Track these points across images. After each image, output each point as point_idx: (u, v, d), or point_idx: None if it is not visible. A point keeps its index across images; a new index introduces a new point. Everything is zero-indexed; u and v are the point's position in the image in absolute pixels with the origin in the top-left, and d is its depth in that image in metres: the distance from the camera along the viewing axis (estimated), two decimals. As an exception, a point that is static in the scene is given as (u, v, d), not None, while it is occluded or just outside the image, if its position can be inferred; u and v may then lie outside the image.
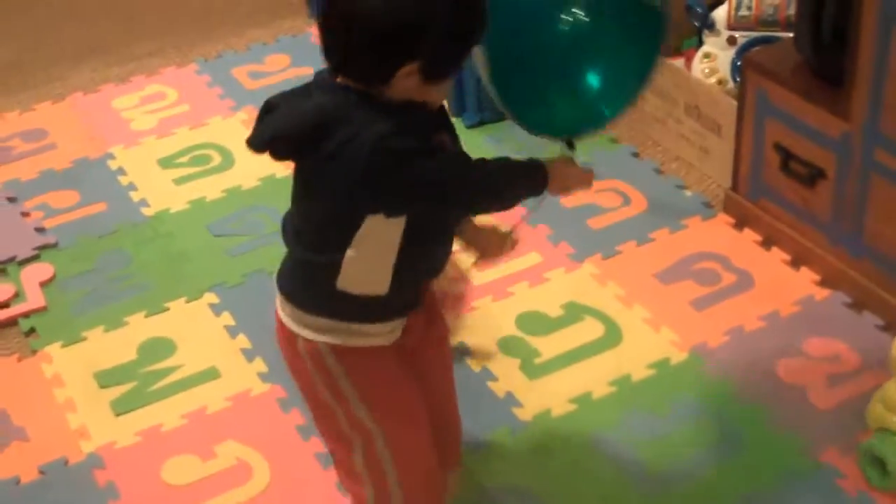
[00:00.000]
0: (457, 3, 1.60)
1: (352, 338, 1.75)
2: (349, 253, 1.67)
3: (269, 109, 1.68)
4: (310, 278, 1.74)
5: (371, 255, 1.68)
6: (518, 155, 1.75)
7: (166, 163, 3.14)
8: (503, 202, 1.73)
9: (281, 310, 1.78)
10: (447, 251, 1.80)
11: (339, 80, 1.63)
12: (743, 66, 2.67)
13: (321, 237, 1.70)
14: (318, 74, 1.68)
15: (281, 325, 1.79)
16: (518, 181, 1.74)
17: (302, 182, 1.70)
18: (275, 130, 1.63)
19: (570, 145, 1.85)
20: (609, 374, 2.34)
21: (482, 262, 1.97)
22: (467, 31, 1.64)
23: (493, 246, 1.94)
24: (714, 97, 2.85)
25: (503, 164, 1.73)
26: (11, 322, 2.62)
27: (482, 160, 1.69)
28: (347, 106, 1.60)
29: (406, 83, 1.59)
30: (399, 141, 1.58)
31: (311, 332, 1.75)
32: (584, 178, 1.85)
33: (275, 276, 1.79)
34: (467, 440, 2.16)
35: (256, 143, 1.66)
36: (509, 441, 2.22)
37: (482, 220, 1.90)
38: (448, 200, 1.69)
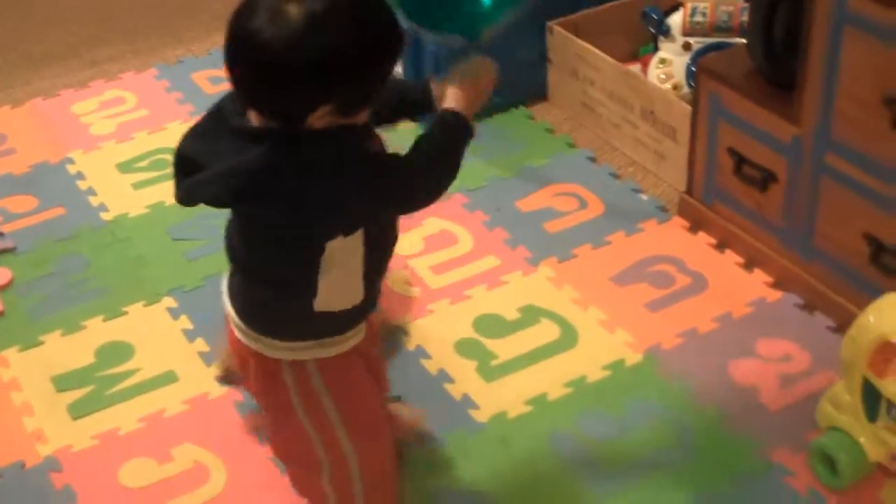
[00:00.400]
0: (359, 35, 1.52)
1: (334, 347, 1.77)
2: (320, 278, 1.68)
3: (189, 168, 1.62)
4: (284, 312, 1.74)
5: (342, 272, 1.69)
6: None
7: (125, 167, 3.14)
8: (456, 168, 1.70)
9: (254, 342, 1.76)
10: (397, 233, 1.81)
11: (251, 116, 1.59)
12: (697, 71, 2.71)
13: (288, 272, 1.69)
14: (224, 108, 1.63)
15: (255, 357, 1.77)
16: (454, 143, 1.70)
17: (252, 226, 1.69)
18: (212, 193, 1.59)
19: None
20: (564, 376, 2.37)
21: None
22: (377, 60, 1.58)
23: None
24: (669, 102, 2.88)
25: (431, 141, 1.68)
26: (-32, 327, 2.62)
27: (415, 154, 1.67)
28: (277, 150, 1.56)
29: (322, 122, 1.56)
30: (347, 169, 1.58)
31: (294, 354, 1.75)
32: (486, 78, 1.74)
33: (230, 308, 1.77)
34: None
35: (189, 201, 1.63)
36: (466, 442, 2.23)
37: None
38: (415, 201, 1.70)
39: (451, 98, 1.73)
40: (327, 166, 1.57)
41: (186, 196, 1.64)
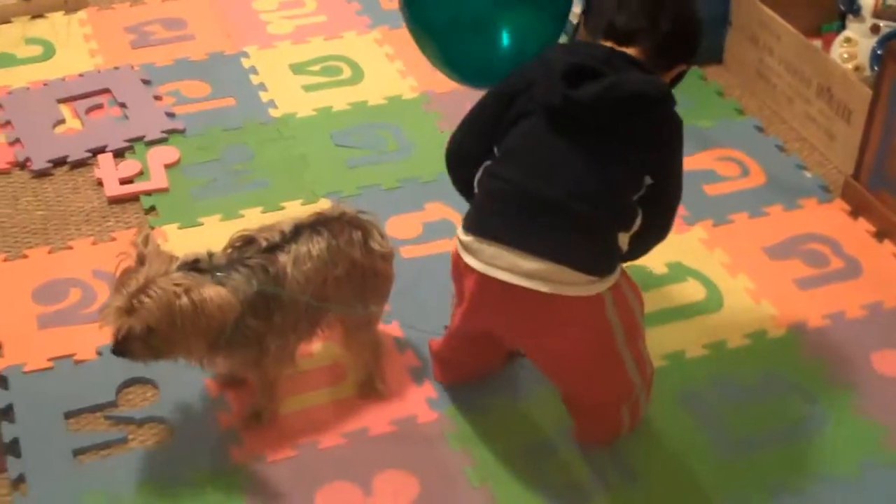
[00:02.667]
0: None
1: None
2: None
3: (584, 73, 1.86)
4: (607, 240, 1.92)
5: None
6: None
7: (298, 69, 3.20)
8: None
9: (569, 287, 1.88)
10: None
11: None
12: (883, 55, 2.65)
13: (626, 199, 1.91)
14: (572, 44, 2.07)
15: (572, 301, 1.88)
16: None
17: (603, 149, 1.88)
18: (641, 89, 1.86)
19: None
20: (705, 338, 2.37)
21: None
22: None
23: None
24: (849, 82, 2.83)
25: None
26: (134, 198, 2.71)
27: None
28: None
29: (667, 78, 1.99)
30: None
31: (612, 279, 1.93)
32: None
33: (552, 266, 1.86)
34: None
35: (610, 93, 1.84)
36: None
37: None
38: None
39: None
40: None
41: (610, 89, 1.84)
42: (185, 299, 1.88)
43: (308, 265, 2.03)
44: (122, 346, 1.91)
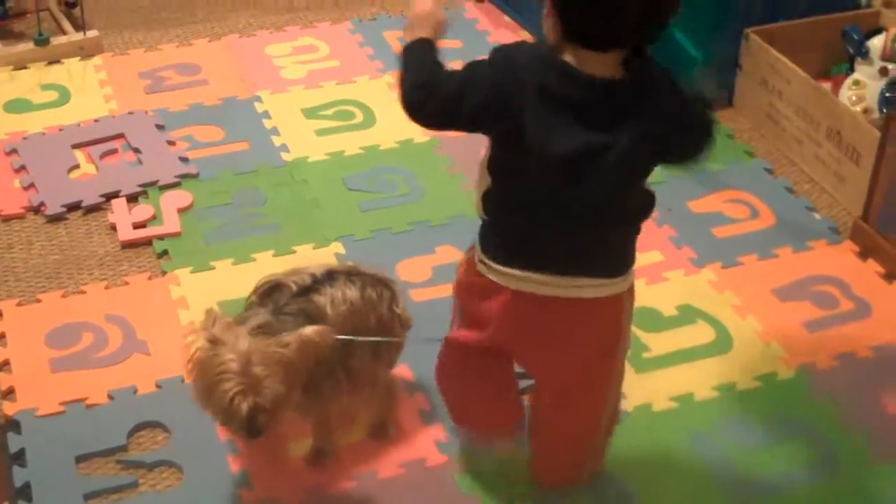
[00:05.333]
0: None
1: None
2: None
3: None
4: (624, 247, 1.89)
5: None
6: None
7: (310, 113, 3.23)
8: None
9: (590, 289, 1.85)
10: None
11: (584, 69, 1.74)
12: (892, 98, 2.67)
13: (639, 208, 1.88)
14: (562, 72, 1.74)
15: (590, 307, 1.87)
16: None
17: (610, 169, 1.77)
18: (644, 153, 1.77)
19: None
20: (714, 379, 2.37)
21: None
22: None
23: None
24: (858, 124, 2.84)
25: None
26: (146, 242, 2.73)
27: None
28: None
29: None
30: None
31: (628, 282, 1.91)
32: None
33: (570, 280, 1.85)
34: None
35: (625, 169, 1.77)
36: (607, 428, 2.26)
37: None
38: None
39: None
40: None
41: (572, 143, 1.74)
42: (288, 353, 1.85)
43: (344, 308, 2.02)
44: (257, 428, 1.86)
